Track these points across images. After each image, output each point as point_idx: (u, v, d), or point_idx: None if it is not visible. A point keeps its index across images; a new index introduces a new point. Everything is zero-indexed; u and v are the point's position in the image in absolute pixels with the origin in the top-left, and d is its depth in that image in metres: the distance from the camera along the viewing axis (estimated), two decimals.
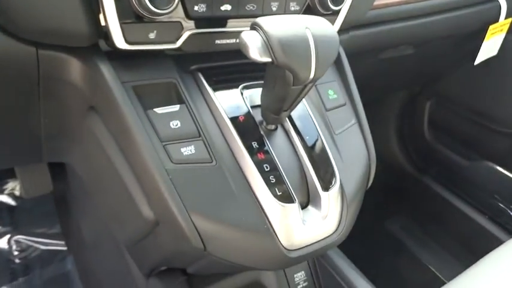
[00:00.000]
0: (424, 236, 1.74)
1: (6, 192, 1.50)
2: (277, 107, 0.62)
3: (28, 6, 0.52)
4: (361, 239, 1.16)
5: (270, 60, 0.54)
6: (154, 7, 0.54)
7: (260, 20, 0.55)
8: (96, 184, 0.84)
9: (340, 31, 0.82)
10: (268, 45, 0.54)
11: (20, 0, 0.51)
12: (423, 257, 1.66)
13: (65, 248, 1.44)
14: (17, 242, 1.45)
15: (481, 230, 1.59)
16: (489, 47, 1.37)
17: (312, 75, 0.56)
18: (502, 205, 1.57)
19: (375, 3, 0.90)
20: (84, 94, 0.65)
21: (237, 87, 0.69)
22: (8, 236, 1.45)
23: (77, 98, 0.67)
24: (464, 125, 1.69)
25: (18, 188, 1.48)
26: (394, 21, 0.99)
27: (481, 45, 1.33)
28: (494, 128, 1.57)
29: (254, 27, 0.55)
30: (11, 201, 1.51)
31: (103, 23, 0.57)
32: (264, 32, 0.54)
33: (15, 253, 1.43)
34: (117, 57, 0.61)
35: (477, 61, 1.35)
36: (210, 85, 0.67)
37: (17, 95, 0.67)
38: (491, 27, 1.29)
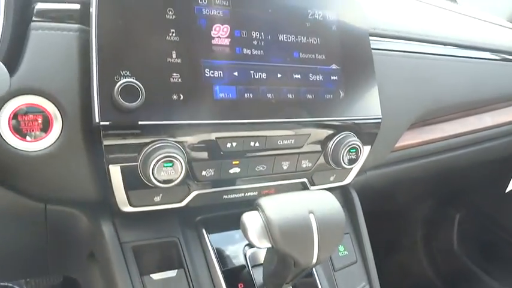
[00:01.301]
0: None
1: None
2: (278, 281, 0.59)
3: (39, 181, 0.54)
4: None
5: (269, 245, 0.52)
6: (160, 182, 0.54)
7: (262, 201, 0.54)
8: None
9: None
10: (268, 230, 0.52)
11: (31, 175, 0.53)
12: None
13: None
14: None
15: None
16: None
17: (313, 262, 0.53)
18: None
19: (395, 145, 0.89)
20: (87, 242, 0.65)
21: (241, 246, 0.67)
22: None
23: (81, 243, 0.67)
24: (496, 243, 1.58)
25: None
26: (414, 159, 0.97)
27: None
28: None
29: (256, 207, 0.54)
30: None
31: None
32: (265, 216, 0.53)
33: None
34: (121, 214, 0.61)
35: (508, 189, 1.29)
36: (212, 243, 0.65)
37: (26, 236, 0.69)
38: None
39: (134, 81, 0.51)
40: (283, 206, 0.54)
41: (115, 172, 0.54)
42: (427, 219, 1.79)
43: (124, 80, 0.50)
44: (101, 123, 0.50)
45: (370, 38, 0.75)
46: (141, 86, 0.51)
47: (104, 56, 0.51)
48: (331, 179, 0.75)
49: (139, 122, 0.52)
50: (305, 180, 0.71)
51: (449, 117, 0.99)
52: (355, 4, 0.74)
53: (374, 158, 0.81)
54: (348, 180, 0.77)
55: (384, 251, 1.72)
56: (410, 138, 0.92)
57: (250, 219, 0.53)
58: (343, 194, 0.83)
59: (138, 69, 0.52)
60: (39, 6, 0.52)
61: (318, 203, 0.55)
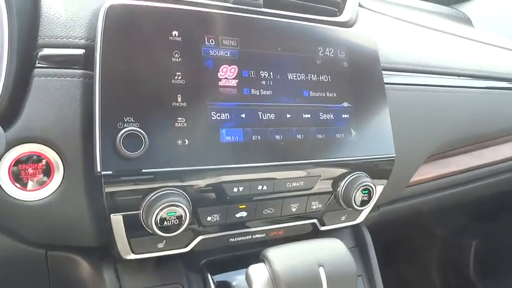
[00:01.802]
0: None
1: None
2: None
3: (39, 229, 0.52)
4: None
5: None
6: (163, 232, 0.52)
7: (269, 253, 0.52)
8: None
9: None
10: (274, 285, 0.49)
11: (31, 224, 0.52)
12: None
13: None
14: None
15: None
16: None
17: None
18: None
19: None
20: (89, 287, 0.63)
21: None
22: None
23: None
24: None
25: None
26: (430, 193, 0.93)
27: None
28: None
29: (262, 259, 0.52)
30: None
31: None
32: (271, 270, 0.50)
33: None
34: (123, 260, 0.59)
35: None
36: None
37: (28, 282, 0.67)
38: None
39: (137, 129, 0.49)
40: (291, 259, 0.51)
41: (117, 221, 0.52)
42: (443, 245, 1.73)
43: (127, 128, 0.49)
44: (103, 172, 0.49)
45: (383, 72, 0.73)
46: (145, 134, 0.49)
47: (107, 102, 0.50)
48: (343, 218, 0.72)
49: (143, 170, 0.51)
50: (315, 221, 0.69)
51: (465, 150, 0.96)
52: (366, 39, 0.72)
53: (388, 195, 0.78)
54: (360, 219, 0.74)
55: (397, 277, 1.66)
56: (426, 173, 0.89)
57: (257, 273, 0.51)
58: (354, 233, 0.80)
59: (142, 115, 0.51)
60: (44, 52, 0.51)
61: (327, 255, 0.53)
